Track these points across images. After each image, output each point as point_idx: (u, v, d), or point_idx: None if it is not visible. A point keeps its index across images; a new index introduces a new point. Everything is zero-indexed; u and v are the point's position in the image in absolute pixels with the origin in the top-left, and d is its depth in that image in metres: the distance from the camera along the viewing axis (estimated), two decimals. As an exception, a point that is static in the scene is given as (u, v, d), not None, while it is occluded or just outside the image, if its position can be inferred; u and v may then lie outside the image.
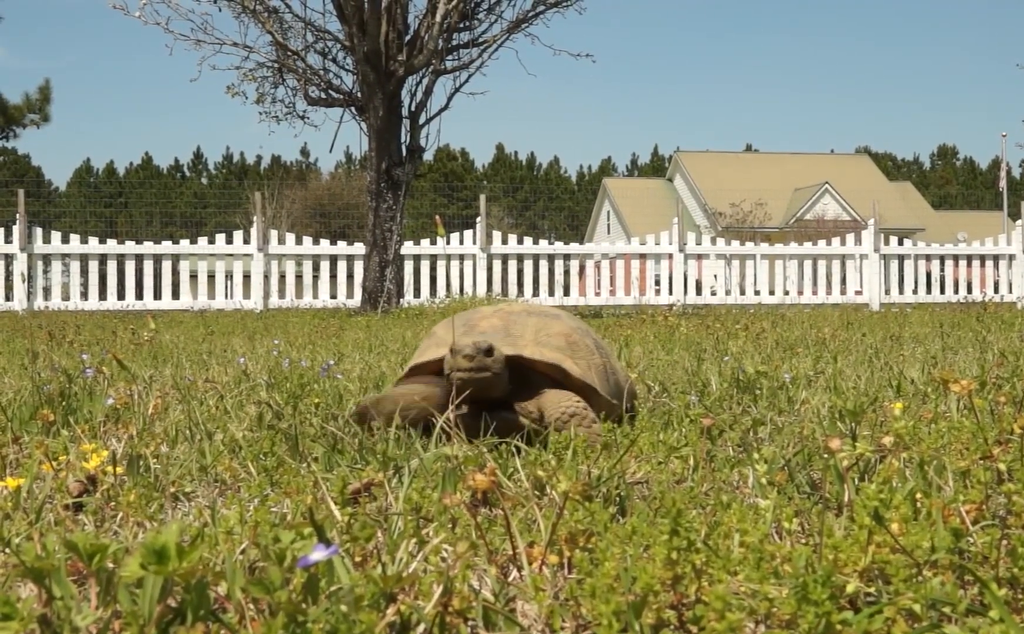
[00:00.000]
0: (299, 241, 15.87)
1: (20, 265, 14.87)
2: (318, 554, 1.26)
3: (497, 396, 2.78)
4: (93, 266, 15.28)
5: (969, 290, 17.38)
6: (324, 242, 16.05)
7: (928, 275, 17.52)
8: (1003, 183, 44.68)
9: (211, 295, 15.84)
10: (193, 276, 15.77)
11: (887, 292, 17.03)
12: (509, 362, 2.80)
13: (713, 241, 17.31)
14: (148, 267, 15.40)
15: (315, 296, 15.78)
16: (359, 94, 14.29)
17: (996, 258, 17.65)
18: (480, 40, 14.64)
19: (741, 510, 1.64)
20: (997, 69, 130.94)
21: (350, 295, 15.56)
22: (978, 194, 78.99)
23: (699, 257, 16.82)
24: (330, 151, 41.35)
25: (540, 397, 2.80)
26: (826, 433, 2.69)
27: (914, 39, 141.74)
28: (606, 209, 60.95)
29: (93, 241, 15.42)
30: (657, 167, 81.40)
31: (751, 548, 1.41)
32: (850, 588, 1.35)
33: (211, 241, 15.70)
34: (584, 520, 1.60)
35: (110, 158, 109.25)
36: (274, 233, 15.71)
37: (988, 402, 2.89)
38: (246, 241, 15.45)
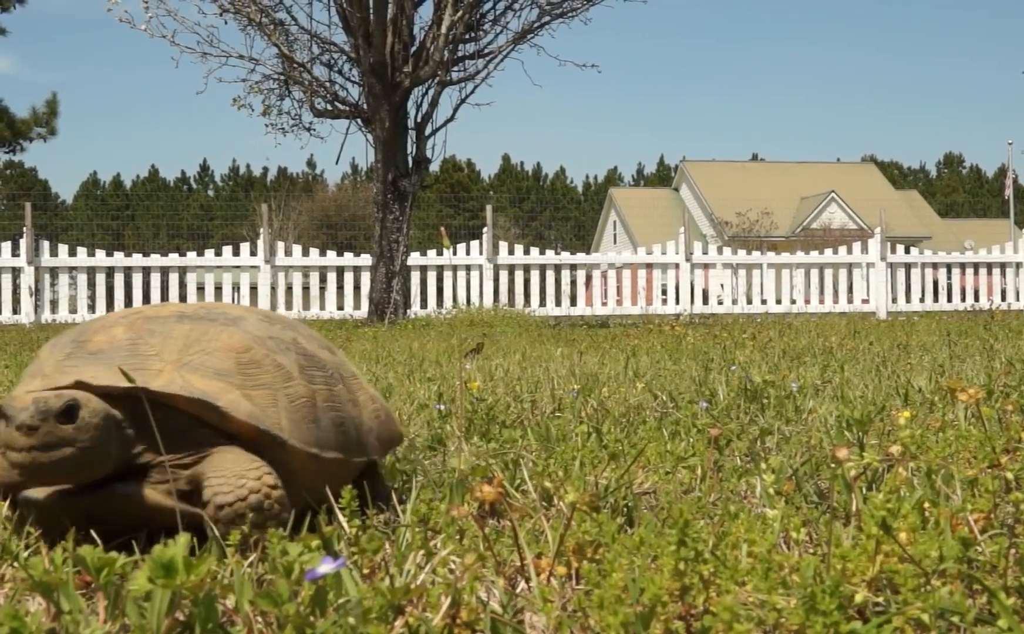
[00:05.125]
0: (306, 252, 15.89)
1: (27, 278, 14.90)
2: (326, 567, 1.27)
3: (104, 473, 1.72)
4: (100, 279, 15.29)
5: (976, 298, 17.35)
6: (331, 253, 16.07)
7: (935, 283, 17.48)
8: (1009, 191, 44.56)
9: (218, 307, 15.85)
10: (200, 288, 15.79)
11: (894, 300, 17.00)
12: (129, 400, 1.76)
13: (719, 250, 17.29)
14: (155, 280, 15.43)
15: (322, 307, 15.80)
16: (365, 106, 14.32)
17: (1003, 266, 17.63)
18: (486, 51, 14.65)
19: (749, 520, 1.64)
20: (1003, 77, 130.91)
21: (357, 306, 15.57)
22: (984, 202, 78.90)
23: (706, 266, 16.81)
24: (336, 163, 41.45)
25: (204, 460, 1.78)
26: (833, 442, 2.69)
27: (919, 48, 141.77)
28: (612, 219, 60.96)
29: (100, 254, 15.45)
30: (663, 177, 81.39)
31: (759, 558, 1.41)
32: (858, 598, 1.35)
33: (218, 253, 15.73)
34: (592, 531, 1.60)
35: (117, 171, 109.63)
36: (281, 245, 15.72)
37: (996, 410, 2.88)
38: (253, 253, 15.47)
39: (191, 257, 15.58)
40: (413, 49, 14.02)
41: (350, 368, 2.14)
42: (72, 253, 15.32)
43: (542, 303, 16.17)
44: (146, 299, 15.38)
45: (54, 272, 15.44)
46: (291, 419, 1.86)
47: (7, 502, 1.80)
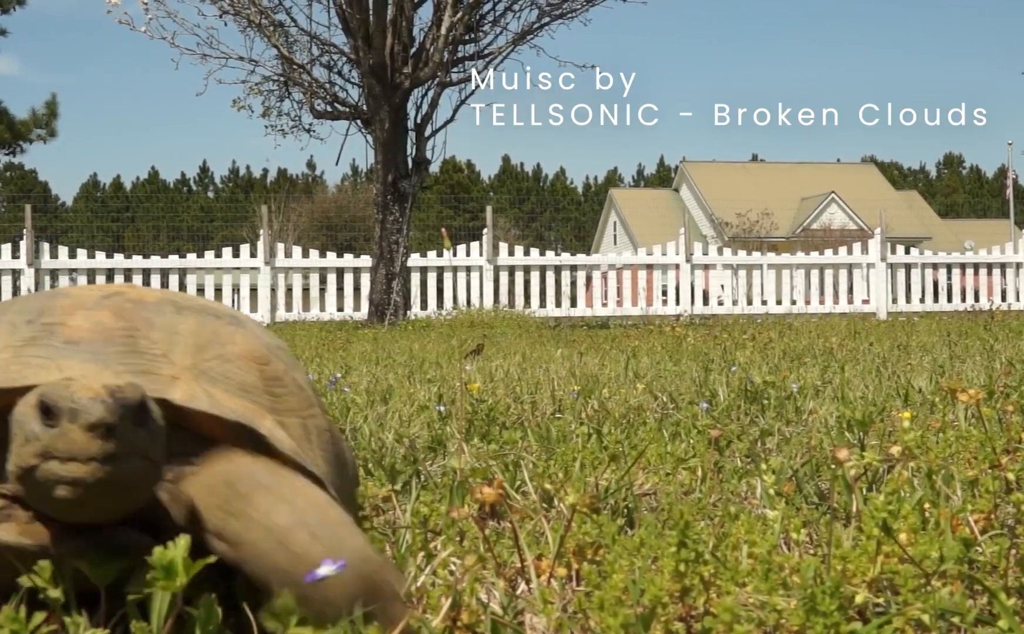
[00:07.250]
0: (306, 254, 15.89)
1: (27, 281, 14.90)
2: (326, 568, 1.27)
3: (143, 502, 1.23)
4: (100, 281, 15.29)
5: (976, 298, 17.34)
6: (331, 255, 16.07)
7: (935, 284, 17.48)
8: (1009, 191, 44.57)
9: (218, 309, 15.86)
10: (200, 290, 15.78)
11: (894, 301, 16.99)
12: None
13: (720, 251, 17.29)
14: (155, 281, 15.42)
15: (322, 309, 15.80)
16: (365, 107, 14.32)
17: (1003, 266, 17.62)
18: (485, 52, 14.66)
19: (749, 521, 1.64)
20: (1003, 77, 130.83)
21: (357, 308, 15.56)
22: (984, 202, 78.88)
23: (706, 267, 16.80)
24: (336, 164, 41.52)
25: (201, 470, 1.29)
26: (834, 443, 2.69)
27: (920, 48, 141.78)
28: (612, 220, 60.95)
29: (100, 256, 15.45)
30: (663, 178, 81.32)
31: (759, 559, 1.41)
32: (859, 599, 1.35)
33: (218, 255, 15.73)
34: (592, 532, 1.60)
35: (117, 172, 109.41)
36: (281, 246, 15.72)
37: (996, 411, 2.88)
38: (253, 254, 15.47)
39: (191, 259, 15.58)
40: (413, 50, 14.02)
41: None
42: (72, 255, 15.32)
43: (542, 304, 16.17)
44: (146, 301, 15.35)
45: (54, 274, 15.43)
46: (324, 459, 1.41)
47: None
